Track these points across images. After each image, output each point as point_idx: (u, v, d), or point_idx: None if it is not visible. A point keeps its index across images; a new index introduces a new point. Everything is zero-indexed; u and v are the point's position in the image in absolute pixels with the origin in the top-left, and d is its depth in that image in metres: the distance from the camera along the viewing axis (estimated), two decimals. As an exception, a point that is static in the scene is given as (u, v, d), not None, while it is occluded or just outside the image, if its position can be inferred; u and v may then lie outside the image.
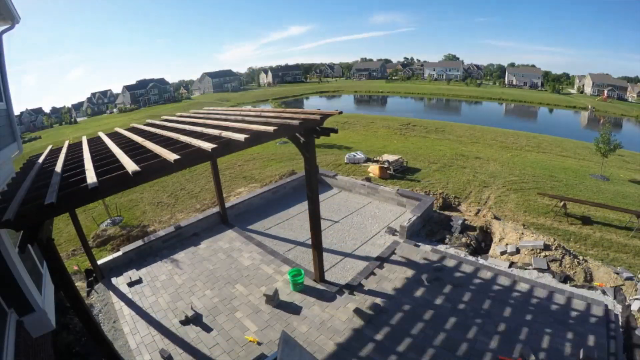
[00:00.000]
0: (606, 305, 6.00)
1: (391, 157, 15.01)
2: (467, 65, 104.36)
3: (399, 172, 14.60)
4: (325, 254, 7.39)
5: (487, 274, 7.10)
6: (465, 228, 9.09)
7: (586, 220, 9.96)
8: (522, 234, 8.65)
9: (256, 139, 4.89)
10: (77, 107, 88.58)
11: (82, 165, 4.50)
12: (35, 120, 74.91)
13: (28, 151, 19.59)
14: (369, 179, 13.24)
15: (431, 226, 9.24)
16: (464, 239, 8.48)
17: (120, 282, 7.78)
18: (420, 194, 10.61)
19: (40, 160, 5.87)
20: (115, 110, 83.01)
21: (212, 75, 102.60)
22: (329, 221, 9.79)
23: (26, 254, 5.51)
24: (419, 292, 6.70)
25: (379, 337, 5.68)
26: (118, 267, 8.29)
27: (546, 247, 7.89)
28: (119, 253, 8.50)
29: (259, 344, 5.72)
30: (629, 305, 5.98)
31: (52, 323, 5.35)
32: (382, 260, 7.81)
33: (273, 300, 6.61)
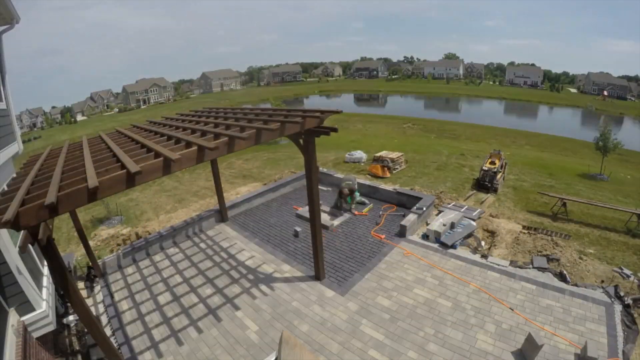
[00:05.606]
0: (606, 304, 6.01)
1: (391, 156, 15.01)
2: (468, 64, 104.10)
3: (399, 171, 14.62)
4: (325, 253, 7.39)
5: (487, 273, 7.11)
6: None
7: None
8: (521, 232, 8.66)
9: (257, 137, 4.89)
10: (77, 107, 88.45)
11: (82, 165, 4.48)
12: (36, 120, 74.94)
13: (28, 151, 19.58)
14: (369, 178, 13.24)
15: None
16: (464, 238, 8.47)
17: (120, 280, 7.79)
18: (420, 193, 10.61)
19: (40, 160, 5.85)
20: (115, 110, 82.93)
21: (212, 74, 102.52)
22: (329, 220, 9.78)
23: (26, 254, 5.51)
24: (419, 291, 6.71)
25: (379, 335, 5.69)
26: (118, 266, 8.30)
27: (546, 246, 7.89)
28: (119, 252, 8.51)
29: None
30: (629, 304, 5.99)
31: (53, 323, 5.35)
32: (382, 259, 7.82)
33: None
